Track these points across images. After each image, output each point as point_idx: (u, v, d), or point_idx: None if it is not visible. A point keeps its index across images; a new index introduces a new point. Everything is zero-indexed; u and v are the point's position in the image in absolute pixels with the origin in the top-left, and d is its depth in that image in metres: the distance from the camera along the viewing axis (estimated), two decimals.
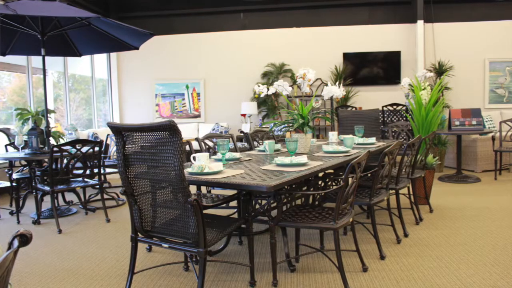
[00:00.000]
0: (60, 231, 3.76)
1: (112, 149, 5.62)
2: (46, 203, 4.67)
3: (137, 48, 4.99)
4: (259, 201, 3.05)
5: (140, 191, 2.19)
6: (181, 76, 8.55)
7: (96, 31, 4.59)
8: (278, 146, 3.65)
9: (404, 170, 3.54)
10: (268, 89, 3.93)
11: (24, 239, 0.95)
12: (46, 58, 4.41)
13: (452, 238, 3.30)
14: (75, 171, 4.19)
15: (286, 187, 2.68)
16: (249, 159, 3.02)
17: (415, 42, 7.83)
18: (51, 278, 2.71)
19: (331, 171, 3.11)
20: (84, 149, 4.00)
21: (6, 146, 4.91)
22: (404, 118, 7.14)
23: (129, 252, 2.37)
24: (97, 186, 4.29)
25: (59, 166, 3.99)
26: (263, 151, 3.49)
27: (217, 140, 2.94)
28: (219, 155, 2.94)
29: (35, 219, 4.11)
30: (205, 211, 2.22)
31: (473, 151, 6.37)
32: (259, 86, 4.01)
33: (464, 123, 5.65)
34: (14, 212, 4.31)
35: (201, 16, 8.39)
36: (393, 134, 5.03)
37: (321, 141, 4.41)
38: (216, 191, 3.56)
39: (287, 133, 4.43)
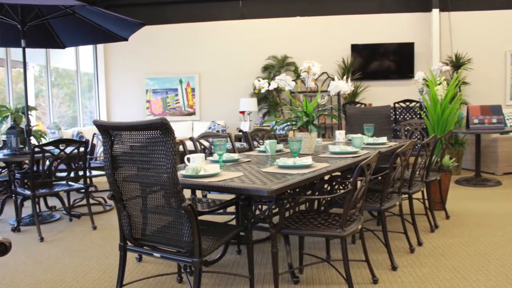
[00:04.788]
0: (42, 239, 3.76)
1: (99, 149, 5.62)
2: (27, 209, 4.67)
3: (126, 39, 4.99)
4: (260, 206, 3.05)
5: (130, 196, 2.19)
6: (174, 70, 8.55)
7: (81, 21, 4.58)
8: (280, 146, 3.66)
9: (418, 172, 3.54)
10: (269, 84, 3.93)
11: (3, 247, 0.95)
12: (27, 50, 4.41)
13: (471, 247, 3.30)
14: (58, 174, 4.19)
15: (289, 191, 2.69)
16: (248, 161, 3.02)
17: (430, 32, 7.83)
18: None
19: (338, 173, 3.11)
20: (68, 150, 4.00)
21: None
22: (418, 116, 7.14)
23: (117, 262, 2.38)
24: (83, 190, 4.29)
25: (40, 168, 3.99)
26: (264, 151, 3.49)
27: (214, 139, 2.94)
28: (215, 156, 2.94)
29: (15, 226, 4.11)
30: (200, 218, 2.22)
31: (493, 151, 6.37)
32: (259, 80, 4.01)
33: (484, 121, 5.66)
34: None
35: (196, 4, 8.39)
36: (406, 133, 5.03)
37: (327, 141, 4.41)
38: (212, 196, 3.56)
39: (290, 132, 4.42)
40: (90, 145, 5.12)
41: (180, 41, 8.47)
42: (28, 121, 4.41)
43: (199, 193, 3.50)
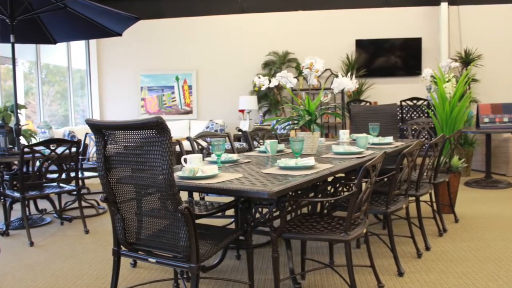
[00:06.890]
0: (32, 244, 3.76)
1: (92, 150, 5.62)
2: (16, 212, 4.68)
3: (120, 35, 4.99)
4: (260, 209, 3.05)
5: (124, 198, 2.19)
6: (170, 67, 8.55)
7: (73, 15, 4.59)
8: (281, 146, 3.66)
9: (425, 174, 3.54)
10: (270, 81, 3.93)
11: None
12: (16, 45, 4.41)
13: (481, 252, 3.30)
14: (49, 175, 4.19)
15: (290, 193, 2.68)
16: (248, 161, 3.03)
17: (438, 27, 7.83)
18: None
19: (342, 175, 3.11)
20: (60, 150, 4.00)
21: None
22: (426, 115, 7.14)
23: (110, 267, 2.38)
24: (74, 192, 4.29)
25: (30, 169, 3.99)
26: (264, 152, 3.50)
27: (212, 139, 2.94)
28: (213, 157, 2.94)
29: (4, 229, 4.11)
30: (198, 221, 2.22)
31: (504, 152, 6.38)
32: (259, 77, 4.01)
33: (495, 120, 5.66)
34: None
35: None
36: (413, 132, 5.03)
37: (331, 141, 4.41)
38: (210, 198, 3.56)
39: (292, 131, 4.43)
40: (82, 145, 5.12)
41: (176, 36, 8.47)
42: (17, 120, 4.41)
43: (196, 196, 3.50)
